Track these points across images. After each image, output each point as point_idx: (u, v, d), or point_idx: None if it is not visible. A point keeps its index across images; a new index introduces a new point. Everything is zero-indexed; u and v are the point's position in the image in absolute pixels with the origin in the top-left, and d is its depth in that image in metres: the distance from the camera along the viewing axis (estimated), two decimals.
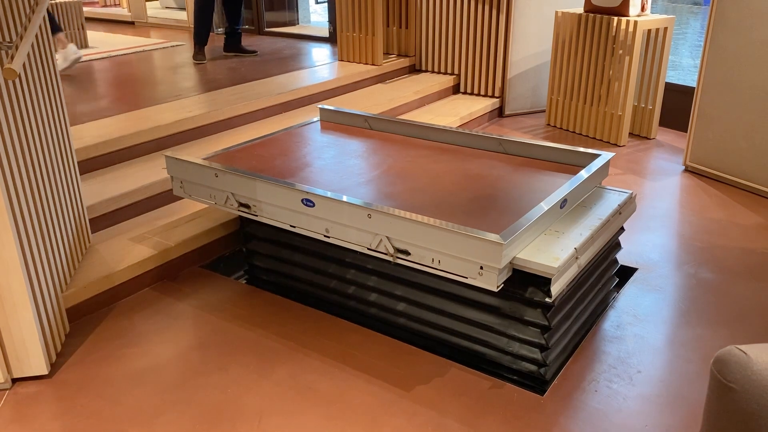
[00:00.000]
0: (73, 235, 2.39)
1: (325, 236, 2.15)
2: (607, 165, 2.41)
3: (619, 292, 2.48)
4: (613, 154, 2.47)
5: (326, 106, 3.08)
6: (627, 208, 2.32)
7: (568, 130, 4.39)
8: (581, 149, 2.47)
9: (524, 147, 2.58)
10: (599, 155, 2.43)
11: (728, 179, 3.47)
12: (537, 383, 2.03)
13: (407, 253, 1.97)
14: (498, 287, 1.84)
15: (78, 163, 2.77)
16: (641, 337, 2.21)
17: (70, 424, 1.83)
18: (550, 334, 1.97)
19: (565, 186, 2.18)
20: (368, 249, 2.06)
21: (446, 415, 1.85)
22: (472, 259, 1.84)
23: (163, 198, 2.94)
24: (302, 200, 2.14)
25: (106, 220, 2.73)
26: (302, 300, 2.47)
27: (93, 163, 3.01)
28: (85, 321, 2.31)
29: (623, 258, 2.71)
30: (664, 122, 4.43)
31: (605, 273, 2.34)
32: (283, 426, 1.82)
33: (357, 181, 2.35)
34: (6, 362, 1.96)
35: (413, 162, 2.53)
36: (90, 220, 2.66)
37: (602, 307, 2.39)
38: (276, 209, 2.24)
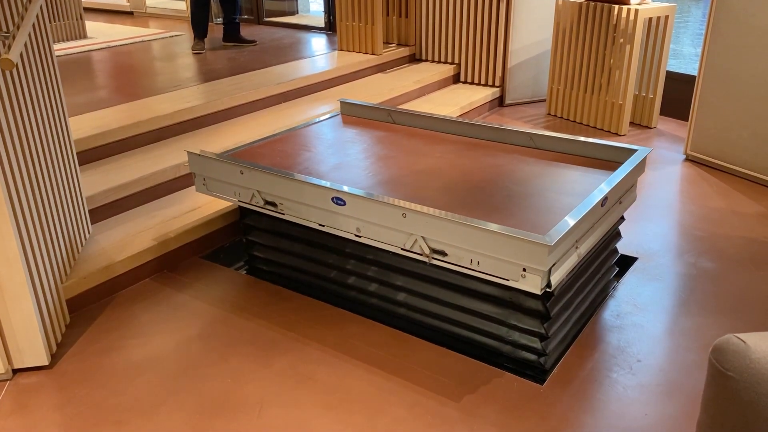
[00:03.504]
0: (72, 226, 2.39)
1: (356, 236, 2.10)
2: (644, 161, 2.33)
3: (619, 282, 2.48)
4: (650, 149, 2.39)
5: (347, 100, 3.04)
6: (627, 197, 2.31)
7: (568, 120, 4.37)
8: (616, 144, 2.39)
9: (555, 141, 2.51)
10: (636, 150, 2.34)
11: (729, 168, 3.46)
12: (537, 372, 2.03)
13: (444, 253, 1.92)
14: (542, 290, 1.79)
15: (77, 153, 2.77)
16: (641, 327, 2.21)
17: (70, 415, 1.84)
18: (550, 324, 1.97)
19: (606, 183, 2.10)
20: (402, 249, 2.01)
21: (446, 404, 1.86)
22: (515, 261, 1.78)
23: (162, 189, 2.93)
24: (332, 198, 2.09)
25: (105, 210, 2.73)
26: (302, 290, 2.47)
27: (92, 154, 3.00)
28: (85, 312, 2.32)
29: (623, 247, 2.71)
30: (664, 111, 4.41)
31: (605, 262, 2.34)
32: (282, 416, 1.82)
33: (385, 177, 2.31)
34: (6, 353, 1.97)
35: (442, 158, 2.48)
36: (89, 210, 2.65)
37: (602, 297, 2.39)
38: (304, 207, 2.20)
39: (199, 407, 1.86)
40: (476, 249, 1.84)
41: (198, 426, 1.79)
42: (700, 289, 2.42)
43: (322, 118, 2.98)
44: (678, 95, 4.30)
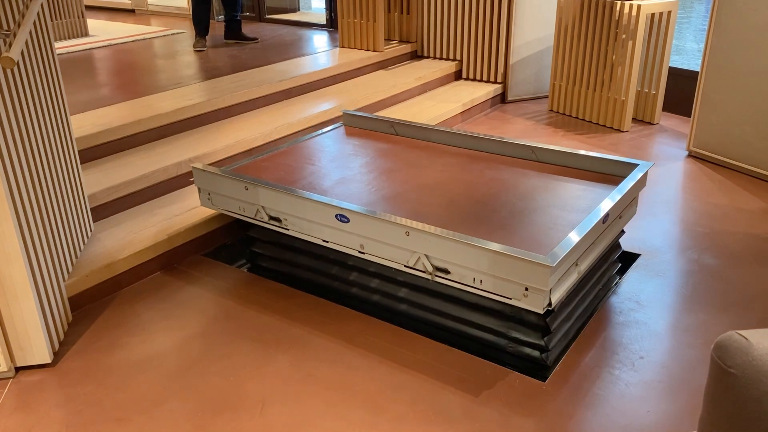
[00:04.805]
0: (74, 224, 2.39)
1: (359, 252, 2.11)
2: (646, 175, 2.33)
3: (622, 278, 2.47)
4: (652, 163, 2.39)
5: (350, 111, 3.04)
6: (628, 211, 2.31)
7: (571, 116, 4.36)
8: (618, 158, 2.38)
9: (557, 155, 2.51)
10: (637, 165, 2.34)
11: (732, 164, 3.45)
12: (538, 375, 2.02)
13: (447, 271, 1.92)
14: (544, 309, 1.79)
15: (79, 151, 2.77)
16: (644, 323, 2.20)
17: (73, 412, 1.84)
18: (551, 337, 1.97)
19: (607, 200, 2.10)
20: (405, 266, 2.02)
21: (448, 401, 1.86)
22: (517, 281, 1.79)
23: (164, 186, 2.93)
24: (336, 215, 2.10)
25: (107, 208, 2.73)
26: (304, 288, 2.47)
27: (94, 152, 3.00)
28: (87, 310, 2.32)
29: (626, 244, 2.70)
30: (667, 107, 4.40)
31: (605, 273, 2.33)
32: (284, 413, 1.82)
33: (388, 192, 2.30)
34: (9, 351, 1.97)
35: (444, 171, 2.48)
36: (91, 208, 2.66)
37: (604, 294, 2.38)
38: (308, 224, 2.20)
39: (201, 404, 1.86)
40: (479, 268, 1.84)
41: (200, 423, 1.79)
42: (702, 285, 2.42)
43: (325, 129, 3.00)
44: (681, 91, 4.29)
